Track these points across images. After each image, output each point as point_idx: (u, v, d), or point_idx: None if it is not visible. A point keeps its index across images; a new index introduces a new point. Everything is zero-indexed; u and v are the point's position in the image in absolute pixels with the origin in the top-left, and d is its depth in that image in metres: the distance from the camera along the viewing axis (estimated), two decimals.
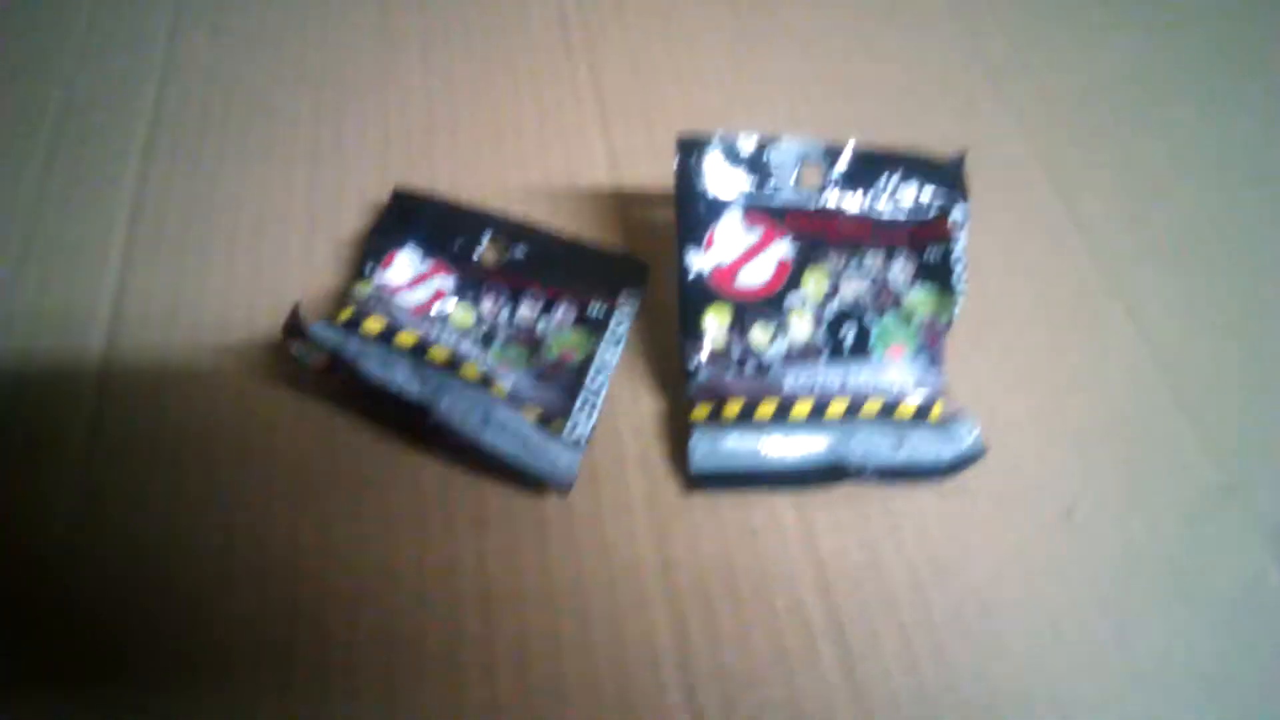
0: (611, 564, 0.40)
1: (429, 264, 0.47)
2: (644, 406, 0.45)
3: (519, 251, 0.48)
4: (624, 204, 0.52)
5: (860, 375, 0.43)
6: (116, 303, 0.46)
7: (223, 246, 0.48)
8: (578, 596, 0.39)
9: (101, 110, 0.53)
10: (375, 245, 0.47)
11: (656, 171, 0.53)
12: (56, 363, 0.44)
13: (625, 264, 0.48)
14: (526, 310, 0.46)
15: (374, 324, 0.42)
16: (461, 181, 0.52)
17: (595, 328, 0.45)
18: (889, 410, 0.43)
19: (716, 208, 0.45)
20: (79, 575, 0.38)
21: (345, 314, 0.42)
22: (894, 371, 0.43)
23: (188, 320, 0.45)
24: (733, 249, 0.45)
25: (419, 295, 0.46)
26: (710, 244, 0.45)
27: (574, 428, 0.42)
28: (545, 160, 0.54)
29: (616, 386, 0.45)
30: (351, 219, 0.50)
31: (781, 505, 0.42)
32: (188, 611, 0.38)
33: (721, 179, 0.45)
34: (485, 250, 0.48)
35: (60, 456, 0.41)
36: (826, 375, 0.43)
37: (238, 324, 0.46)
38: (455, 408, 0.40)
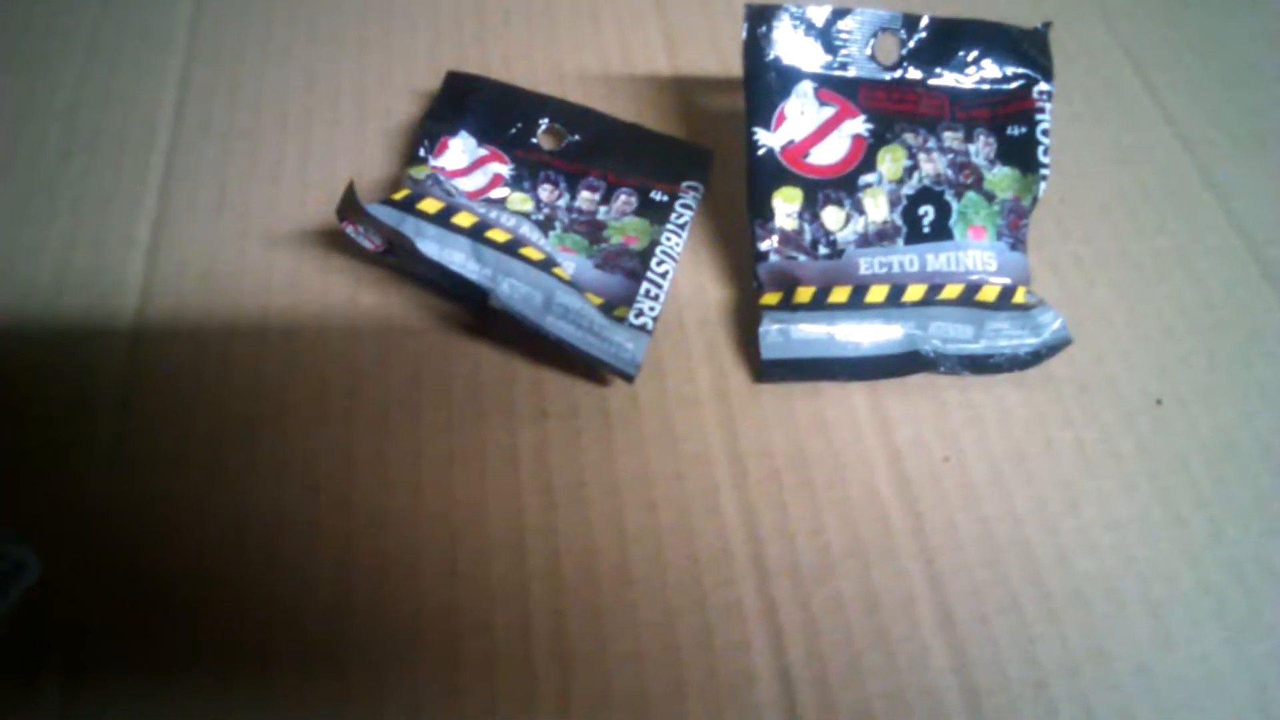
0: (679, 455, 0.38)
1: (484, 150, 0.45)
2: (710, 295, 0.43)
3: (577, 137, 0.46)
4: (683, 90, 0.50)
5: (939, 258, 0.41)
6: (163, 193, 0.44)
7: (270, 137, 0.47)
8: (644, 488, 0.38)
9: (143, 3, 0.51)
10: (428, 130, 0.45)
11: (716, 55, 0.51)
12: (102, 250, 0.42)
13: (688, 150, 0.46)
14: (586, 196, 0.44)
15: (431, 204, 0.40)
16: (515, 69, 0.50)
17: (658, 214, 0.43)
18: (969, 295, 0.40)
19: (787, 81, 0.43)
20: (129, 475, 0.37)
21: (402, 194, 0.40)
22: (974, 254, 0.41)
23: (236, 210, 0.44)
24: (804, 125, 0.43)
25: (475, 180, 0.44)
26: (780, 120, 0.42)
27: (639, 314, 0.40)
28: (601, 46, 0.52)
29: (681, 276, 0.43)
30: (403, 107, 0.48)
31: (855, 395, 0.40)
32: (237, 504, 0.37)
33: (792, 51, 0.43)
34: (542, 136, 0.46)
35: (107, 343, 0.40)
36: (903, 258, 0.41)
37: (287, 214, 0.44)
38: (517, 290, 0.38)
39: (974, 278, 0.40)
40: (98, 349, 0.40)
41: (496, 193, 0.44)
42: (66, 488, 0.36)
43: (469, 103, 0.46)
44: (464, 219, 0.40)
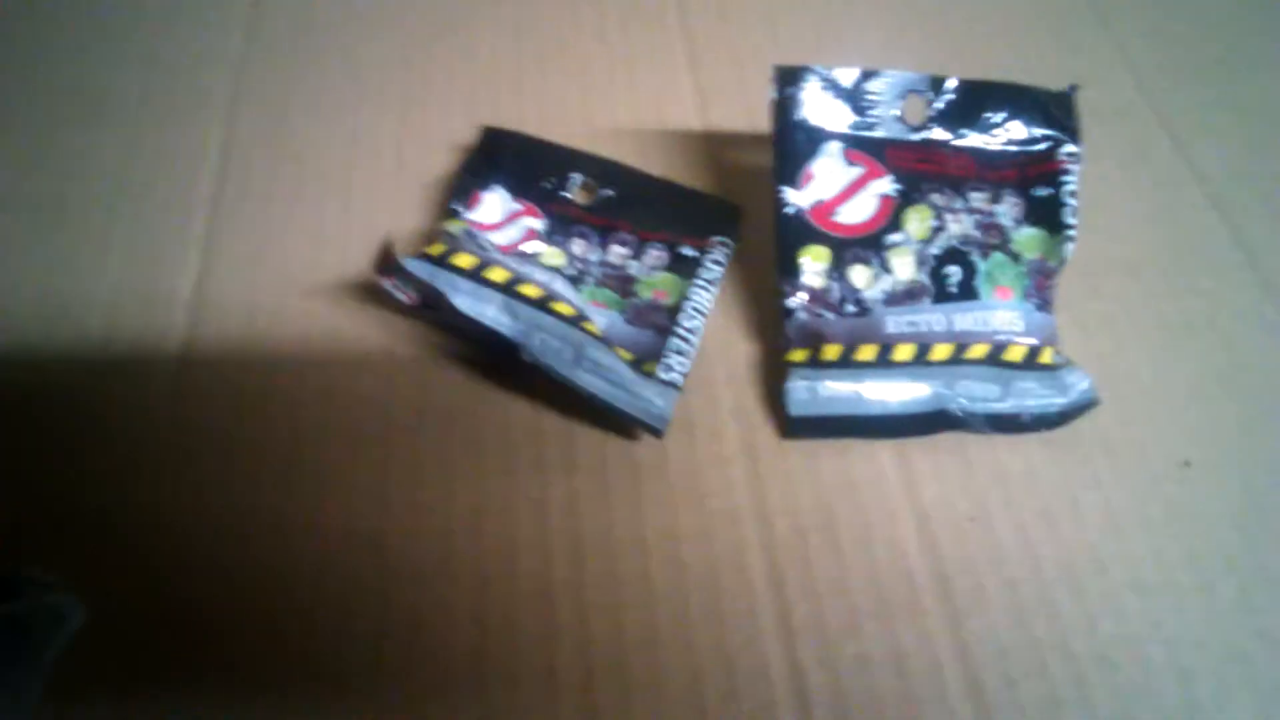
0: (706, 512, 0.39)
1: (518, 204, 0.46)
2: (738, 351, 0.43)
3: (609, 192, 0.46)
4: (714, 146, 0.51)
5: (966, 318, 0.41)
6: (205, 247, 0.45)
7: (311, 191, 0.48)
8: (671, 544, 0.38)
9: (188, 59, 0.53)
10: (463, 185, 0.46)
11: (747, 112, 0.52)
12: (146, 306, 0.43)
13: (718, 205, 0.47)
14: (617, 251, 0.45)
15: (465, 259, 0.41)
16: (549, 123, 0.51)
17: (687, 270, 0.44)
18: (996, 355, 0.41)
19: (815, 141, 0.43)
20: (171, 526, 0.38)
21: (437, 249, 0.41)
22: (1001, 315, 0.41)
23: (277, 263, 0.45)
24: (832, 185, 0.43)
25: (508, 234, 0.45)
26: (808, 179, 0.43)
27: (668, 370, 0.40)
28: (634, 101, 0.53)
29: (710, 331, 0.43)
30: (440, 161, 0.49)
31: (882, 454, 0.41)
32: (276, 549, 0.37)
33: (821, 111, 0.44)
34: (575, 190, 0.47)
35: (150, 396, 0.41)
36: (930, 318, 0.41)
37: (326, 265, 0.45)
38: (548, 345, 0.39)
39: (1001, 337, 0.41)
40: (142, 400, 0.41)
41: (529, 246, 0.44)
42: (112, 538, 0.37)
43: (503, 157, 0.47)
44: (497, 274, 0.41)
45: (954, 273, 0.42)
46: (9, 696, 0.29)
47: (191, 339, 0.42)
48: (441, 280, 0.40)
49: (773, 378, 0.42)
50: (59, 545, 0.37)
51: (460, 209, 0.45)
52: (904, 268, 0.42)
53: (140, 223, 0.46)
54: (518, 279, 0.41)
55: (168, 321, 0.43)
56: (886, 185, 0.43)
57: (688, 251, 0.44)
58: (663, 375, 0.40)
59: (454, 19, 0.55)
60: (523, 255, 0.44)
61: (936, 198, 0.43)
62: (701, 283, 0.43)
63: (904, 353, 0.41)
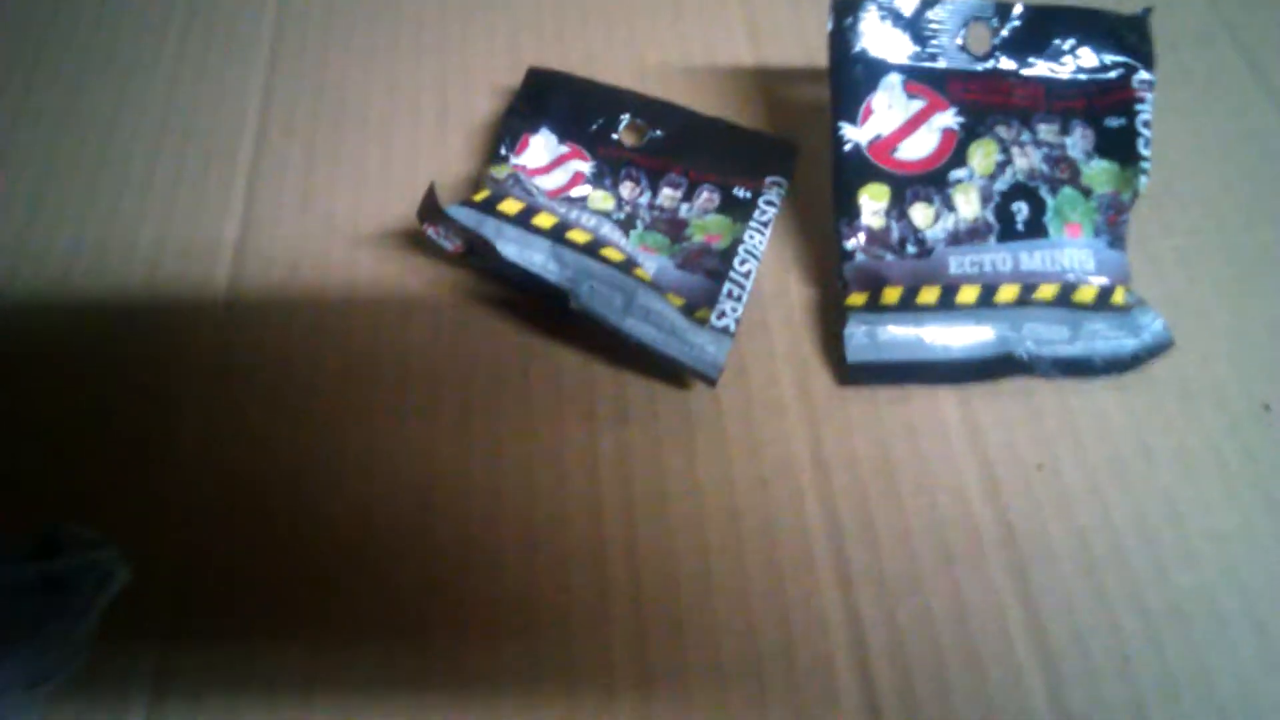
0: (762, 461, 0.38)
1: (565, 147, 0.44)
2: (794, 295, 0.42)
3: (658, 132, 0.45)
4: (767, 81, 0.49)
5: (1033, 257, 0.39)
6: (249, 195, 0.45)
7: (353, 137, 0.47)
8: (726, 495, 0.37)
9: (228, 6, 0.52)
10: (509, 128, 0.44)
11: (801, 46, 0.50)
12: (190, 254, 0.43)
13: (772, 144, 0.45)
14: (667, 194, 0.43)
15: (511, 205, 0.40)
16: (596, 64, 0.49)
17: (740, 212, 0.42)
18: (1065, 296, 0.39)
19: (874, 74, 0.42)
20: (209, 475, 0.38)
21: (482, 195, 0.40)
22: (1071, 253, 0.39)
23: (320, 211, 0.44)
24: (892, 119, 0.41)
25: (556, 179, 0.44)
26: (867, 114, 0.41)
27: (721, 316, 0.39)
28: (683, 39, 0.51)
29: (764, 275, 0.42)
30: (484, 105, 0.48)
31: (944, 400, 0.39)
32: (322, 499, 0.37)
33: (880, 43, 0.42)
34: (623, 131, 0.45)
35: (194, 344, 0.41)
36: (995, 257, 0.39)
37: (370, 214, 0.44)
38: (597, 292, 0.38)
39: (1070, 277, 0.39)
40: (186, 347, 0.40)
41: (577, 190, 0.43)
42: (153, 483, 0.37)
43: (550, 99, 0.46)
44: (544, 220, 0.40)
45: (1021, 209, 0.40)
46: (54, 653, 0.29)
47: (236, 287, 0.42)
48: (487, 227, 0.39)
49: (830, 322, 0.41)
50: (102, 495, 0.37)
51: (507, 153, 0.44)
52: (968, 205, 0.40)
53: (182, 170, 0.46)
54: (565, 224, 0.40)
55: (211, 270, 0.42)
56: (949, 118, 0.41)
57: (740, 193, 0.43)
58: (715, 322, 0.39)
59: None
60: (570, 200, 0.43)
61: (1002, 130, 0.41)
62: (755, 225, 0.42)
63: (968, 294, 0.39)
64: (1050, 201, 0.40)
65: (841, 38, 0.41)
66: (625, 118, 0.45)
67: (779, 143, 0.45)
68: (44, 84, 0.49)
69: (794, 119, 0.47)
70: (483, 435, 0.38)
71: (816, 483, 0.37)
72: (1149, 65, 0.41)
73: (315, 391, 0.39)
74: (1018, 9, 0.42)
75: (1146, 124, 0.41)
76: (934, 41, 0.42)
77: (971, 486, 0.37)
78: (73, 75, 0.49)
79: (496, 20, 0.51)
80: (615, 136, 0.45)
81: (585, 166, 0.44)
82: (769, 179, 0.43)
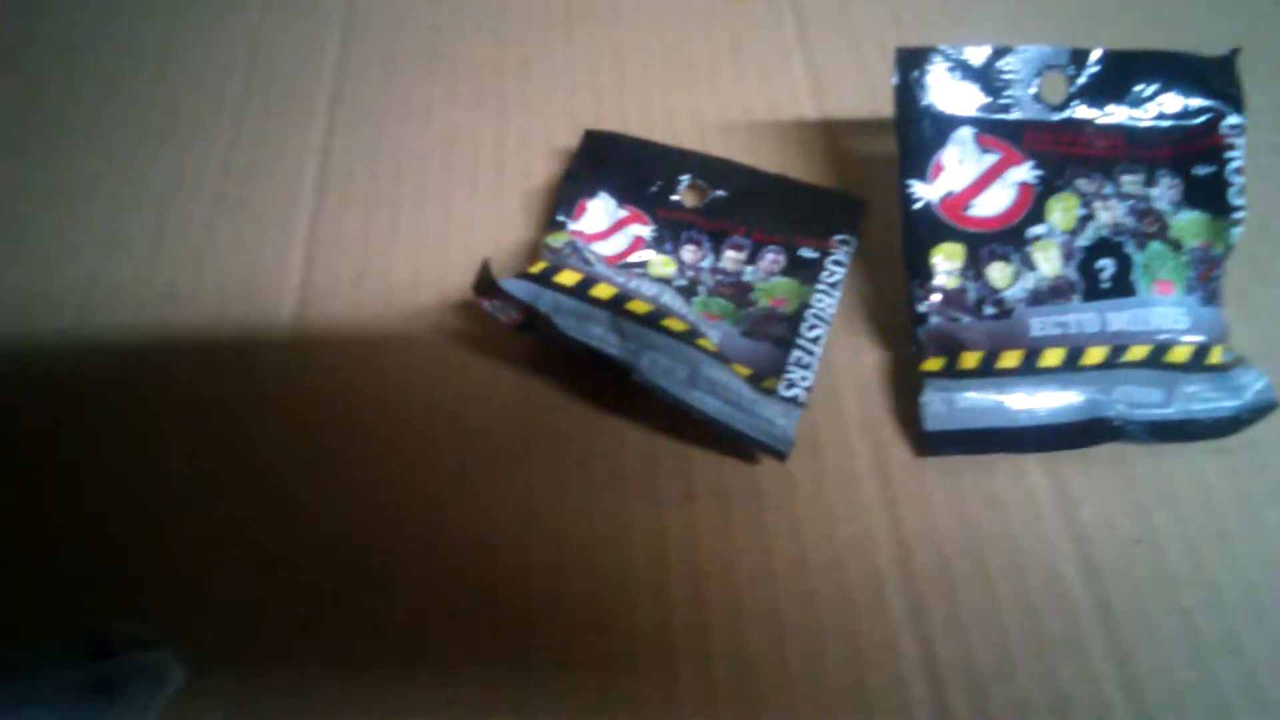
0: (837, 539, 0.36)
1: (624, 211, 0.43)
2: (866, 360, 0.40)
3: (720, 192, 0.44)
4: (832, 134, 0.47)
5: (1121, 317, 0.37)
6: (306, 264, 0.44)
7: (410, 203, 0.46)
8: (801, 576, 0.35)
9: (286, 69, 0.52)
10: (566, 193, 0.43)
11: (865, 97, 0.48)
12: (247, 326, 0.42)
13: (838, 202, 0.43)
14: (731, 256, 0.42)
15: (569, 276, 0.39)
16: (655, 121, 0.48)
17: (807, 274, 0.41)
18: (1157, 356, 0.37)
19: (944, 128, 0.40)
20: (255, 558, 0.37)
21: (538, 267, 0.39)
22: (1162, 311, 0.37)
23: (376, 281, 0.43)
24: (964, 175, 0.40)
25: (615, 244, 0.42)
26: (938, 170, 0.39)
27: (790, 385, 0.37)
28: (743, 92, 0.50)
29: (833, 339, 0.40)
30: (541, 167, 0.47)
31: (1031, 469, 0.37)
32: (383, 584, 0.36)
33: (948, 95, 0.40)
34: (684, 193, 0.44)
35: (247, 428, 0.40)
36: (1081, 318, 0.37)
37: (428, 283, 0.43)
38: (659, 364, 0.37)
39: (1162, 337, 0.37)
40: (238, 430, 0.39)
41: (637, 255, 0.42)
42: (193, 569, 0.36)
43: (607, 161, 0.44)
44: (603, 290, 0.38)
45: (1106, 266, 0.38)
46: None
47: (291, 362, 0.41)
48: (544, 301, 0.38)
49: (905, 389, 0.39)
50: (151, 540, 0.36)
51: (564, 219, 0.42)
52: (1049, 263, 0.38)
53: (239, 239, 0.45)
54: (625, 295, 0.38)
55: (267, 343, 0.42)
56: (1025, 172, 0.39)
57: (807, 253, 0.41)
58: (784, 392, 0.37)
59: (550, 21, 0.53)
60: (630, 267, 0.41)
61: (1083, 183, 0.39)
62: (824, 287, 0.40)
63: (1052, 357, 0.37)
64: (1137, 257, 0.38)
65: (908, 91, 0.40)
66: (685, 178, 0.44)
67: (846, 199, 0.43)
68: (101, 154, 0.49)
69: (861, 173, 0.45)
70: (545, 513, 0.37)
71: (896, 562, 0.35)
72: (1238, 109, 0.39)
73: (368, 477, 0.38)
74: (1095, 54, 0.40)
75: (1239, 171, 0.38)
76: (1006, 92, 0.40)
77: (1065, 564, 0.35)
78: (129, 143, 0.49)
79: (555, 76, 0.50)
80: (675, 198, 0.44)
81: (645, 230, 0.43)
82: (836, 238, 0.42)
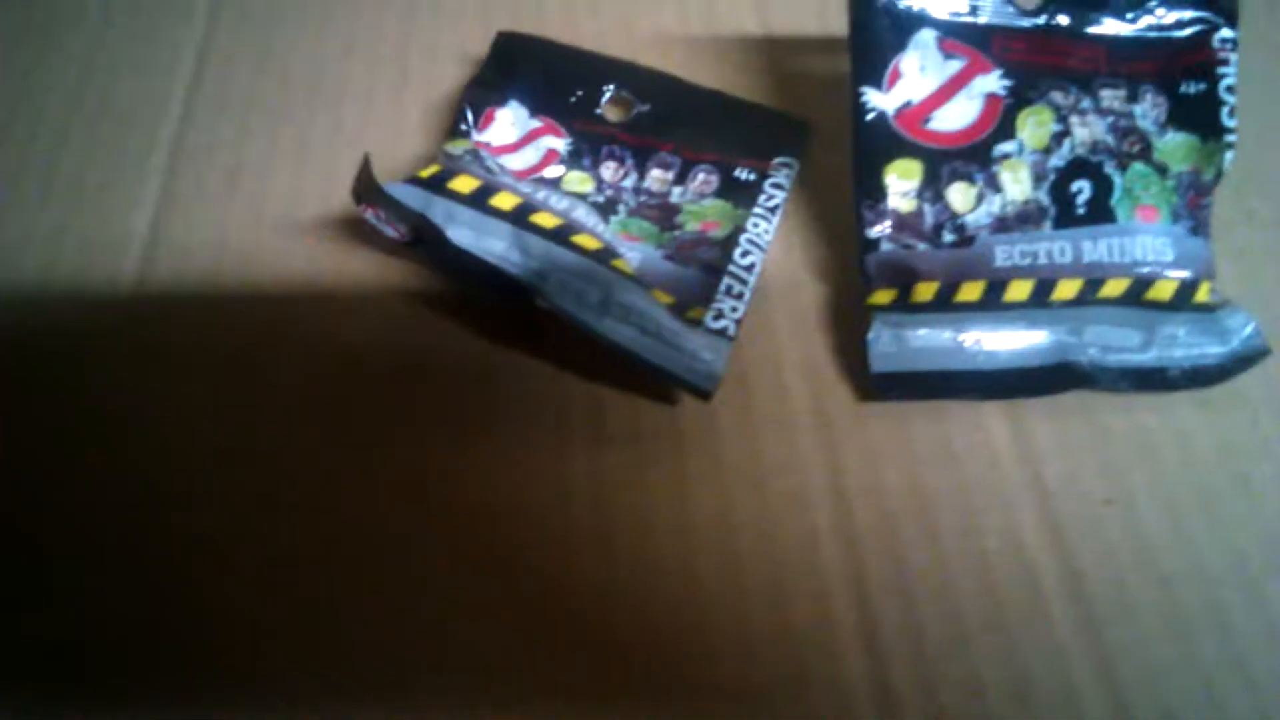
0: (767, 492, 0.31)
1: (537, 122, 0.38)
2: (805, 293, 0.35)
3: (647, 107, 0.38)
4: (775, 51, 0.42)
5: (1098, 246, 0.32)
6: (168, 177, 0.38)
7: (296, 110, 0.40)
8: (725, 533, 0.30)
9: None
10: (472, 99, 0.38)
11: (813, 11, 0.43)
12: (91, 243, 0.36)
13: (780, 121, 0.38)
14: (657, 175, 0.37)
15: (465, 182, 0.33)
16: (579, 28, 0.42)
17: (742, 196, 0.36)
18: (1137, 293, 0.32)
19: (902, 29, 0.35)
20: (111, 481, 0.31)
21: (430, 171, 0.34)
22: (1144, 241, 0.32)
23: (251, 194, 0.38)
24: (925, 84, 0.35)
25: (525, 157, 0.37)
26: (895, 77, 0.35)
27: (718, 316, 0.32)
28: (677, 5, 0.44)
29: (770, 269, 0.35)
30: (449, 75, 0.41)
31: (991, 418, 0.32)
32: (238, 524, 0.30)
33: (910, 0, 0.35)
34: (607, 105, 0.39)
35: (92, 353, 0.34)
36: (1052, 246, 0.33)
37: (309, 196, 0.38)
38: (567, 286, 0.31)
39: (1143, 270, 0.32)
40: (81, 358, 0.34)
41: (550, 171, 0.37)
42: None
43: (521, 68, 0.39)
44: (505, 200, 0.33)
45: (1082, 189, 0.33)
46: None
47: (143, 285, 0.35)
48: (435, 209, 0.32)
49: (850, 327, 0.34)
50: None
51: (468, 128, 0.37)
52: (1017, 185, 0.34)
53: (94, 148, 0.39)
54: (531, 206, 0.33)
55: (115, 263, 0.36)
56: (993, 82, 0.35)
57: (743, 175, 0.36)
58: (711, 323, 0.32)
59: None
60: (540, 181, 0.36)
61: (1058, 96, 0.34)
62: (760, 211, 0.35)
63: (1018, 291, 0.32)
64: (1118, 180, 0.33)
65: None
66: (609, 90, 0.39)
67: (788, 118, 0.38)
68: None
69: (807, 94, 0.40)
70: (437, 459, 0.32)
71: (836, 521, 0.30)
72: (1232, 21, 0.35)
73: (231, 409, 0.33)
74: None
75: (1231, 90, 0.34)
76: None
77: (1027, 526, 0.30)
78: None
79: None
80: (597, 111, 0.38)
81: (560, 143, 0.37)
82: (777, 160, 0.37)
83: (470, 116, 0.37)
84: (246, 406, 0.33)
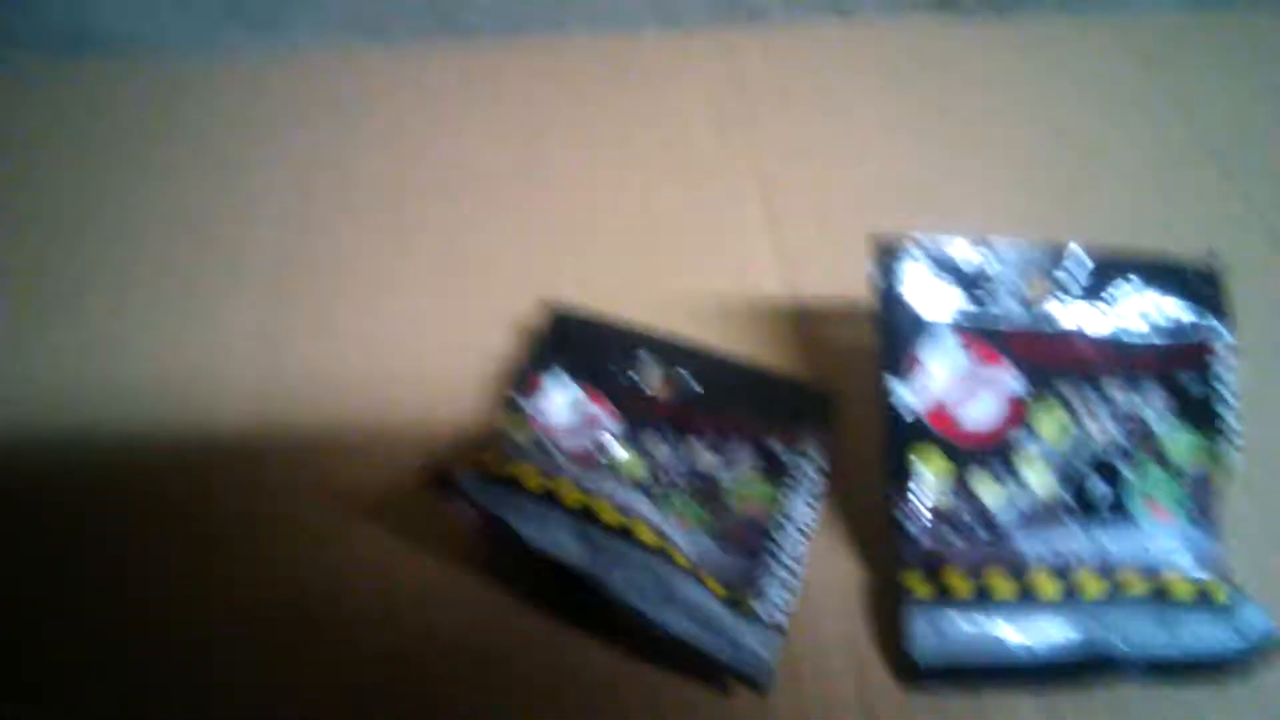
0: None
1: (581, 393, 0.40)
2: (844, 574, 0.37)
3: (686, 379, 0.41)
4: (802, 319, 0.45)
5: (1119, 545, 0.35)
6: (241, 437, 0.40)
7: (355, 381, 0.42)
8: None
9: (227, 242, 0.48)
10: (522, 371, 0.40)
11: (837, 279, 0.46)
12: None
13: (806, 396, 0.41)
14: (703, 458, 0.39)
15: (532, 477, 0.35)
16: (618, 296, 0.45)
17: (780, 474, 0.38)
18: (1159, 593, 0.34)
19: (924, 329, 0.38)
20: None
21: (495, 460, 0.36)
22: (1161, 542, 0.35)
23: (326, 466, 0.39)
24: (948, 382, 0.37)
25: (579, 440, 0.39)
26: (918, 373, 0.37)
27: (770, 609, 0.34)
28: (708, 269, 0.48)
29: (811, 552, 0.37)
30: (498, 341, 0.44)
31: (1025, 710, 0.34)
32: None
33: (927, 293, 0.38)
34: (644, 372, 0.41)
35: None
36: (1075, 542, 0.35)
37: (374, 478, 0.39)
38: (632, 581, 0.33)
39: (1164, 572, 0.35)
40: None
41: (605, 450, 0.39)
42: None
43: (567, 339, 0.42)
44: (569, 496, 0.35)
45: (1100, 487, 0.36)
46: None
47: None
48: (505, 506, 0.34)
49: (888, 607, 0.36)
50: None
51: (518, 398, 0.39)
52: (1040, 482, 0.36)
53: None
54: (592, 501, 0.35)
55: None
56: (1012, 381, 0.37)
57: (778, 452, 0.39)
58: (764, 615, 0.34)
59: (507, 186, 0.51)
60: (597, 466, 0.38)
61: (1069, 394, 0.37)
62: (806, 499, 0.37)
63: (1047, 587, 0.35)
64: (1133, 480, 0.36)
65: (886, 285, 0.38)
66: (645, 356, 0.41)
67: (814, 392, 0.41)
68: None
69: (831, 359, 0.43)
70: None
71: None
72: (1228, 323, 0.38)
73: (314, 690, 0.34)
74: (1080, 258, 0.38)
75: (1231, 390, 0.37)
76: (988, 292, 0.38)
77: None
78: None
79: (510, 244, 0.48)
80: (633, 375, 0.41)
81: (611, 425, 0.40)
82: (807, 434, 0.39)
83: (521, 387, 0.40)
84: (319, 687, 0.34)
